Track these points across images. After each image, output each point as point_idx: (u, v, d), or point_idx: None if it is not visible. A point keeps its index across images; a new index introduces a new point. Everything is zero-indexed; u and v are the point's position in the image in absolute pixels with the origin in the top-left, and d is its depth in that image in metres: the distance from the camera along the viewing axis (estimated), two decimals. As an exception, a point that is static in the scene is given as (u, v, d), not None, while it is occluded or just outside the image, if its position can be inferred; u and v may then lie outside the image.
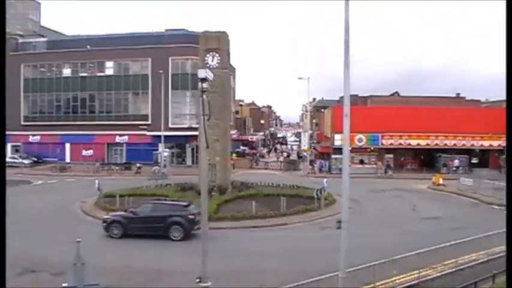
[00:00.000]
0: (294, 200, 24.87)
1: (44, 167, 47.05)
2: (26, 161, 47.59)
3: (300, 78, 51.10)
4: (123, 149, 50.65)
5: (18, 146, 51.79)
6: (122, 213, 19.53)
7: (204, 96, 10.13)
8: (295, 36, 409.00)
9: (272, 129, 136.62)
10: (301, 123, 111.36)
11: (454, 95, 56.56)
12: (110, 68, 50.55)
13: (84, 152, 51.08)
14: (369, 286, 11.88)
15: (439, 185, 35.01)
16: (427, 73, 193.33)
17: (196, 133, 37.72)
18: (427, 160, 46.20)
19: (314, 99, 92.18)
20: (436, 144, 44.09)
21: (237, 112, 75.02)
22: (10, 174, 34.60)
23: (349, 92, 10.83)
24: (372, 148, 44.61)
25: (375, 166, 44.23)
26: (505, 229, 12.12)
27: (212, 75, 11.42)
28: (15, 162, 46.46)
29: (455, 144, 43.92)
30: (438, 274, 13.29)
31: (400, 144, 44.12)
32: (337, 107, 44.03)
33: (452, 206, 27.67)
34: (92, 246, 14.57)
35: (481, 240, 14.95)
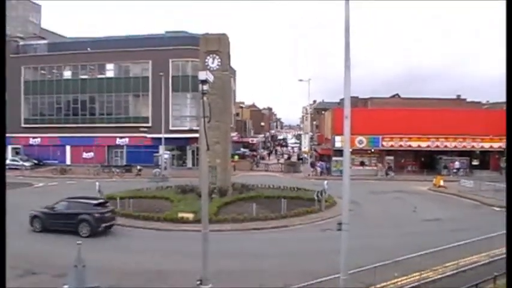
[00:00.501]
0: (294, 202, 24.92)
1: (45, 169, 47.06)
2: (26, 164, 47.45)
3: (301, 80, 51.57)
4: (123, 151, 50.66)
5: (19, 148, 51.83)
6: (43, 209, 20.11)
7: (205, 98, 10.11)
8: (295, 36, 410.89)
9: (272, 131, 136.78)
10: (301, 125, 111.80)
11: (454, 97, 56.72)
12: (110, 70, 50.59)
13: (85, 154, 51.14)
14: (370, 288, 11.86)
15: (439, 186, 35.03)
16: (427, 74, 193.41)
17: (196, 135, 37.73)
18: (427, 162, 46.26)
19: (314, 101, 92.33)
20: (437, 146, 44.10)
21: (237, 114, 75.13)
22: (11, 176, 34.66)
23: (349, 94, 10.81)
24: (373, 150, 44.68)
25: (375, 168, 44.30)
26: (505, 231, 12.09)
27: (212, 77, 11.40)
28: (16, 165, 46.39)
29: (455, 146, 43.96)
30: (439, 276, 13.27)
31: (401, 146, 44.14)
32: (337, 109, 44.05)
33: (453, 207, 27.63)
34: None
35: (482, 242, 14.95)
